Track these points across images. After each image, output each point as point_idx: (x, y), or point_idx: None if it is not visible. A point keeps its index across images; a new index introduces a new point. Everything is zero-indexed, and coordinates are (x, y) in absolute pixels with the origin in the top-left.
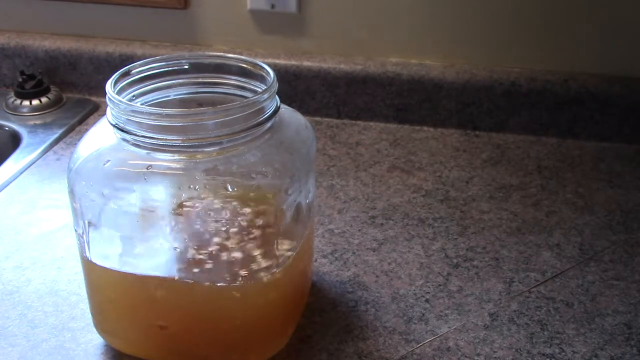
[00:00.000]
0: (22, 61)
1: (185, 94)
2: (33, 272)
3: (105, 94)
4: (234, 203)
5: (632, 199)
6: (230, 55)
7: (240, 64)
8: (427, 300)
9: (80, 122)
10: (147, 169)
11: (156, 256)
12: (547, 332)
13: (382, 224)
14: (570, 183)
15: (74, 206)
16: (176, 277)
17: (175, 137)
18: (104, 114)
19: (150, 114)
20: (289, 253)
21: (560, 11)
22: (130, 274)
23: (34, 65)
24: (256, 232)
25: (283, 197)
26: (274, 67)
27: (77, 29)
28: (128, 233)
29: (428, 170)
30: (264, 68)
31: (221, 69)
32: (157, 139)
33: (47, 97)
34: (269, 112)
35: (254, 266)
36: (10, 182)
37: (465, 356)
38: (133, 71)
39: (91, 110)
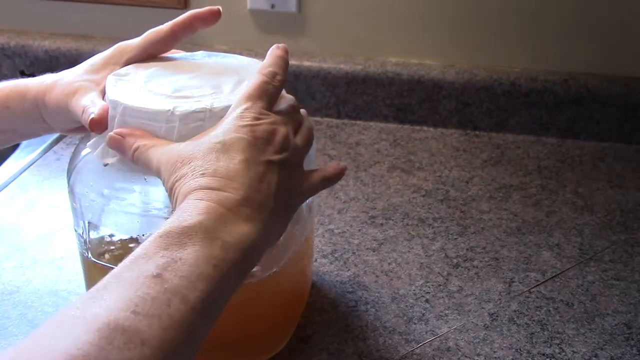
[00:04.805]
0: (22, 61)
1: None
2: (33, 272)
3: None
4: None
5: (632, 199)
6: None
7: None
8: (427, 300)
9: None
10: None
11: None
12: (547, 332)
13: (382, 224)
14: (570, 183)
15: (74, 206)
16: None
17: None
18: None
19: None
20: (289, 253)
21: (560, 11)
22: None
23: (34, 65)
24: None
25: None
26: None
27: (77, 29)
28: (128, 233)
29: (428, 170)
30: None
31: None
32: None
33: None
34: None
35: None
36: (10, 182)
37: (465, 356)
38: None
39: None
